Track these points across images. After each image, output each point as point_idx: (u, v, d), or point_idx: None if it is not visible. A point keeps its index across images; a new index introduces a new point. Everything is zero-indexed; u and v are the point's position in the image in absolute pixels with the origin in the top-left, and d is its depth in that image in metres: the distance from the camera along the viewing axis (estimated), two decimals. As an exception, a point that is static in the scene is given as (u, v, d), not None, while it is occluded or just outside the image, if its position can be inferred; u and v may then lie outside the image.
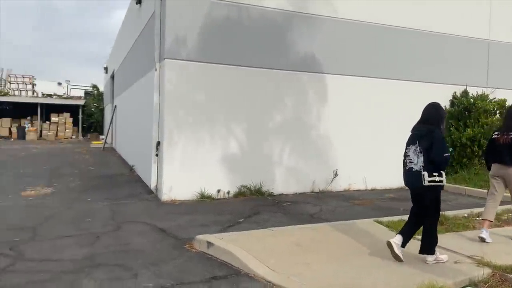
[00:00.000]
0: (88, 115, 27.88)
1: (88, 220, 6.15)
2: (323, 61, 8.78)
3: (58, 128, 26.18)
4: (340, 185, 9.02)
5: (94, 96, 29.44)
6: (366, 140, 9.23)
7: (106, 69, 23.56)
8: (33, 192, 8.17)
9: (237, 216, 6.49)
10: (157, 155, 8.05)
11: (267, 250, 4.58)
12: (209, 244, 4.75)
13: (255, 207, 7.21)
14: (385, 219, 5.97)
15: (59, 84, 40.08)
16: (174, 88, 7.71)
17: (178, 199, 7.60)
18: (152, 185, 8.24)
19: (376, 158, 9.25)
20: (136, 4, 10.45)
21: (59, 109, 26.56)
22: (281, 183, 8.50)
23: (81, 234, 5.41)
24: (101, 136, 24.60)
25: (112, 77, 20.16)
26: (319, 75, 8.78)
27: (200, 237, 4.99)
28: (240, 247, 4.57)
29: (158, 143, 7.96)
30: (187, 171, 7.76)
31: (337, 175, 8.89)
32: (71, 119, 26.54)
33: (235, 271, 4.20)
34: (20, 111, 26.68)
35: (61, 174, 10.76)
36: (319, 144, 8.87)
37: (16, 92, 30.58)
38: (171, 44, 7.59)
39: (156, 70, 7.91)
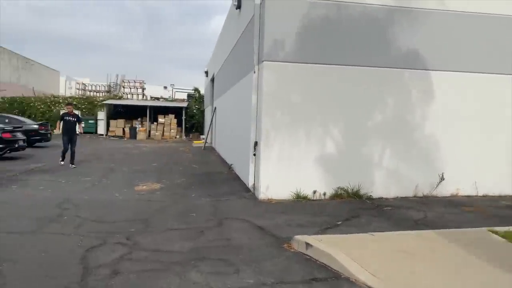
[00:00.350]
0: (190, 116, 29.68)
1: (192, 215, 6.54)
2: (427, 57, 8.22)
3: (164, 129, 28.29)
4: (446, 189, 8.37)
5: (196, 98, 31.23)
6: (478, 142, 8.44)
7: (206, 72, 24.85)
8: (144, 187, 8.94)
9: (335, 218, 6.38)
10: (254, 154, 8.26)
11: (368, 255, 4.43)
12: (308, 245, 4.74)
13: (353, 210, 7.03)
14: (501, 229, 5.40)
15: (165, 87, 43.35)
16: (272, 90, 7.84)
17: (274, 198, 7.71)
18: (250, 184, 8.48)
19: (490, 162, 8.41)
20: (236, 9, 10.85)
21: (165, 111, 28.71)
22: (381, 186, 8.16)
23: (187, 228, 5.78)
24: (201, 136, 26.02)
25: (212, 80, 21.20)
26: (422, 72, 8.25)
27: (298, 237, 5.00)
28: (340, 250, 4.48)
29: (256, 143, 8.16)
30: (283, 171, 7.84)
31: (443, 179, 8.26)
32: (175, 120, 28.51)
33: (334, 274, 4.14)
34: (132, 113, 29.42)
35: (168, 171, 11.62)
36: (422, 145, 8.33)
37: (129, 96, 33.83)
38: (270, 46, 7.74)
39: (254, 72, 8.13)
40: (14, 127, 14.27)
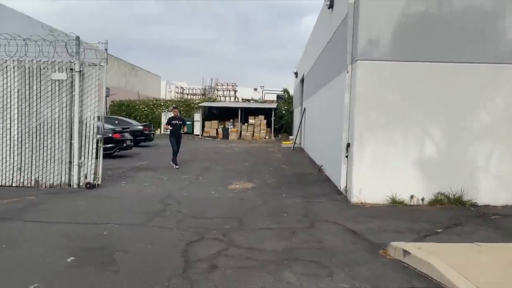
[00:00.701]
0: (279, 117, 30.03)
1: (284, 215, 6.63)
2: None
3: (254, 129, 29.01)
4: None
5: (285, 99, 31.51)
6: None
7: (296, 73, 24.94)
8: (237, 186, 9.27)
9: (434, 226, 5.99)
10: (347, 156, 8.10)
11: (473, 267, 4.09)
12: (405, 252, 4.53)
13: (455, 217, 6.53)
14: None
15: (255, 89, 44.37)
16: (366, 89, 7.62)
17: (367, 202, 7.48)
18: (341, 186, 8.33)
19: None
20: (328, 8, 10.74)
21: (255, 112, 29.43)
22: (488, 193, 7.47)
23: (279, 228, 5.87)
24: (290, 137, 26.18)
25: (302, 81, 21.21)
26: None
27: (395, 244, 4.80)
28: (441, 259, 4.20)
29: (348, 145, 7.99)
30: (378, 174, 7.57)
31: None
32: (265, 121, 29.08)
33: (435, 285, 3.90)
34: (224, 114, 30.67)
35: (259, 171, 11.90)
36: (539, 148, 7.45)
37: (222, 98, 35.31)
38: (364, 45, 7.53)
39: (348, 72, 7.97)
40: (123, 128, 15.73)
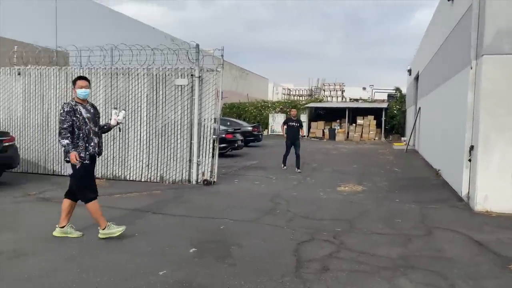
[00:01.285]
0: (390, 117, 28.68)
1: (398, 220, 6.33)
2: None
3: (363, 130, 28.14)
4: None
5: (397, 98, 30.00)
6: None
7: (409, 71, 23.58)
8: (346, 188, 9.11)
9: None
10: (469, 160, 7.42)
11: None
12: (544, 269, 4.00)
13: None
14: None
15: (364, 88, 43.02)
16: (494, 86, 6.90)
17: (494, 211, 6.78)
18: (463, 193, 7.66)
19: None
20: (448, 1, 9.96)
21: (364, 112, 28.53)
22: None
23: (393, 233, 5.64)
24: (402, 138, 24.82)
25: (416, 78, 19.97)
26: None
27: (530, 259, 4.27)
28: None
29: (472, 147, 7.32)
30: (507, 180, 6.79)
31: None
32: (374, 122, 28.02)
33: None
34: (331, 115, 30.31)
35: (369, 173, 11.53)
36: None
37: (329, 98, 34.95)
38: (492, 38, 6.82)
39: (471, 68, 7.30)
40: (235, 129, 16.56)
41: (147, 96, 9.39)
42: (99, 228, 5.10)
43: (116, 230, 5.05)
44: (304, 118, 29.73)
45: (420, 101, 17.89)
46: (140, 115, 9.43)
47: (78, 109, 4.92)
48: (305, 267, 4.32)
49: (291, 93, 41.59)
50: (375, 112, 28.21)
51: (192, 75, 9.08)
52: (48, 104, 9.97)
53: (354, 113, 29.35)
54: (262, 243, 5.11)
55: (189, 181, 9.15)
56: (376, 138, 27.84)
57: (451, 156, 9.16)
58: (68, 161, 4.93)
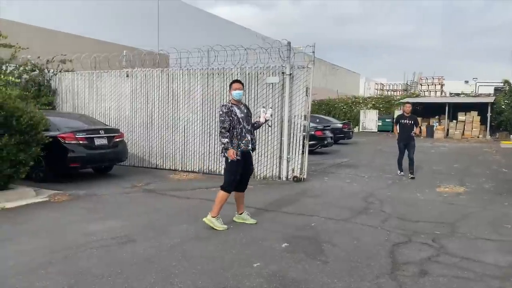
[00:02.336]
0: (497, 113, 26.05)
1: (507, 226, 5.77)
2: None
3: (465, 127, 25.97)
4: None
5: (505, 92, 27.14)
6: None
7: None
8: (446, 189, 8.51)
9: None
10: None
11: None
12: None
13: None
14: None
15: (466, 82, 39.76)
16: None
17: None
18: None
19: None
20: None
21: (466, 107, 26.31)
22: None
23: (500, 239, 5.16)
24: (511, 136, 22.45)
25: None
26: None
27: None
28: None
29: None
30: None
31: None
32: (478, 118, 25.71)
33: None
34: (429, 110, 28.42)
35: (472, 173, 10.65)
36: None
37: (426, 93, 32.86)
38: None
39: None
40: (324, 126, 16.38)
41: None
42: (209, 212, 5.47)
43: (219, 226, 5.40)
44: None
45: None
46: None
47: (234, 110, 5.39)
48: (401, 270, 4.15)
49: (385, 88, 39.88)
50: (479, 108, 25.81)
51: (283, 72, 9.18)
52: (152, 103, 10.84)
53: (454, 109, 27.17)
54: (355, 242, 5.02)
55: (279, 177, 9.29)
56: (480, 136, 25.48)
57: None
58: (225, 156, 5.43)
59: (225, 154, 5.39)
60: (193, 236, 5.17)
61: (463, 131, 25.92)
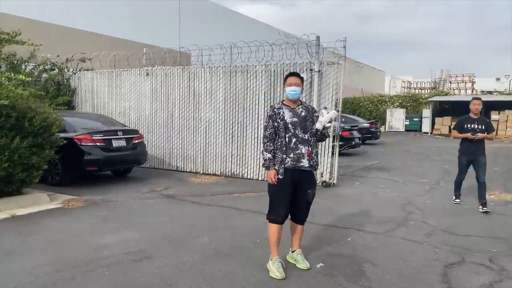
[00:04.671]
0: (534, 112, 24.66)
1: None
2: None
3: (499, 127, 24.70)
4: None
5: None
6: None
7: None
8: (492, 196, 7.77)
9: None
10: None
11: None
12: None
13: None
14: None
15: (497, 79, 38.11)
16: None
17: None
18: None
19: None
20: None
21: (499, 106, 25.02)
22: None
23: None
24: (551, 136, 21.12)
25: None
26: None
27: None
28: None
29: None
30: None
31: None
32: (513, 117, 24.41)
33: None
34: (459, 109, 27.16)
35: (516, 178, 9.79)
36: None
37: (456, 91, 31.54)
38: None
39: None
40: (351, 126, 15.62)
41: (264, 93, 9.14)
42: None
43: (274, 273, 3.95)
44: (427, 113, 27.22)
45: None
46: (258, 113, 9.22)
47: (281, 113, 4.03)
48: (461, 300, 3.51)
49: (411, 86, 38.58)
50: (514, 106, 24.52)
51: (311, 69, 8.56)
52: (172, 103, 10.38)
53: (487, 107, 25.75)
54: (399, 262, 4.38)
55: (307, 182, 8.66)
56: (516, 136, 24.20)
57: None
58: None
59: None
60: (213, 252, 4.62)
61: (497, 131, 24.64)
